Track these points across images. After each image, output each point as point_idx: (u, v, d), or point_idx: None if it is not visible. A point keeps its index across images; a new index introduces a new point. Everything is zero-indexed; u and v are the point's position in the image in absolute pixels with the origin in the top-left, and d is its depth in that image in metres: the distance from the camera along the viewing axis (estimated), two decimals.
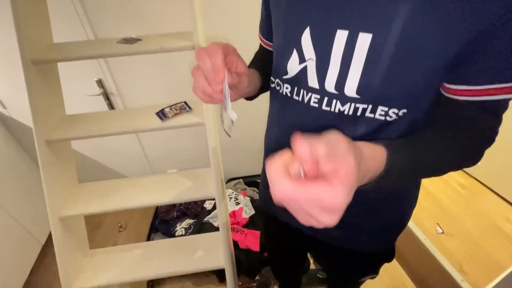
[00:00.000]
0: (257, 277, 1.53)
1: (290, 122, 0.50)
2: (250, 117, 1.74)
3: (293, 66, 0.44)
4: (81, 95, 1.51)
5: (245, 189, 1.81)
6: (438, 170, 0.39)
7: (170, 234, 1.64)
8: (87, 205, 0.91)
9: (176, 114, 0.94)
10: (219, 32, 1.38)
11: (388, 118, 0.40)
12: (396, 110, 0.39)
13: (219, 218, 0.95)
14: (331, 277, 0.95)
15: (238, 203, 1.61)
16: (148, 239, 1.63)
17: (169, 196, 0.91)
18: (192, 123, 0.88)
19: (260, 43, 0.66)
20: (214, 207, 1.70)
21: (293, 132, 0.27)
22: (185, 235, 1.61)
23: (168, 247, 1.05)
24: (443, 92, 0.39)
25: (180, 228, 1.66)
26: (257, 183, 1.94)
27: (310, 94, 0.43)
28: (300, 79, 0.44)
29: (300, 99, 0.46)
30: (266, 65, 0.58)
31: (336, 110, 0.42)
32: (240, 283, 1.47)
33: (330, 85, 0.40)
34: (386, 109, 0.39)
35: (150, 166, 1.93)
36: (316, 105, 0.43)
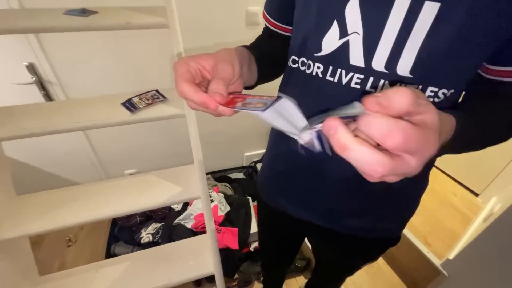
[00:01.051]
0: (235, 276, 1.47)
1: (320, 107, 0.44)
2: None
3: (330, 42, 0.37)
4: (7, 84, 1.20)
5: (216, 185, 1.71)
6: (492, 140, 0.39)
7: (135, 242, 1.46)
8: (34, 222, 0.71)
9: (148, 104, 0.79)
10: (193, 11, 1.22)
11: (435, 100, 0.37)
12: (445, 91, 0.36)
13: (206, 219, 0.85)
14: (323, 267, 0.94)
15: (212, 201, 1.51)
16: (108, 251, 1.42)
17: (147, 201, 0.77)
18: (171, 114, 0.75)
19: (266, 25, 0.56)
20: (184, 208, 1.56)
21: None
22: (153, 241, 1.45)
23: (143, 260, 0.91)
24: (482, 73, 0.38)
25: (146, 234, 1.48)
26: (228, 177, 1.85)
27: (351, 74, 0.38)
28: (338, 57, 0.38)
29: (335, 80, 0.40)
30: (273, 53, 0.51)
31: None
32: None
33: (379, 63, 0.35)
34: (436, 89, 0.36)
35: (103, 168, 1.67)
36: (358, 86, 0.38)
